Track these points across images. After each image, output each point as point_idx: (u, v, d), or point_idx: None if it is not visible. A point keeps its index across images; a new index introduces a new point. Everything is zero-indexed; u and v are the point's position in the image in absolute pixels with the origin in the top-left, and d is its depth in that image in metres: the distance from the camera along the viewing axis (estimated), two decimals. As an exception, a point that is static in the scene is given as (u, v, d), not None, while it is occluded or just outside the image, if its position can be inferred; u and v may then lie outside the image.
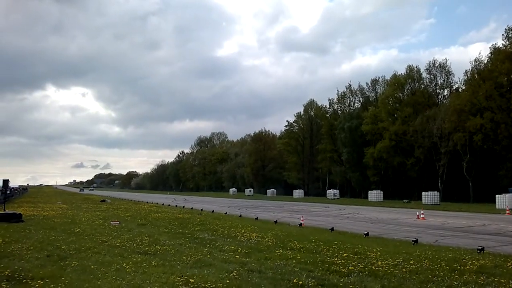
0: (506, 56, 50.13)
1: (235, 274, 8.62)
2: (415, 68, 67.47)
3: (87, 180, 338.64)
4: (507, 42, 52.16)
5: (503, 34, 52.99)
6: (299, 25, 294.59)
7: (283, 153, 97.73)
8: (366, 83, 79.90)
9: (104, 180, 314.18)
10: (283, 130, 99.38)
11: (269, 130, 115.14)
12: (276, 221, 22.94)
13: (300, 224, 20.92)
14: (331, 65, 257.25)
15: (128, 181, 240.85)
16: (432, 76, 66.49)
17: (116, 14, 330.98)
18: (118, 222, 20.92)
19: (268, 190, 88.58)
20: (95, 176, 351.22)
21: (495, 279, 8.34)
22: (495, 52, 52.76)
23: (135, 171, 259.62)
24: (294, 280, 8.05)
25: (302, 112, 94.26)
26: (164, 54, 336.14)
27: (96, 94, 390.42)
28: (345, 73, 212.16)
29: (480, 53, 58.97)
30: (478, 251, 11.95)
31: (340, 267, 9.44)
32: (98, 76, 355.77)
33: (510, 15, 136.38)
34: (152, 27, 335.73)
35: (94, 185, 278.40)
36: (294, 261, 10.27)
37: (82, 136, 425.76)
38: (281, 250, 11.98)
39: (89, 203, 45.06)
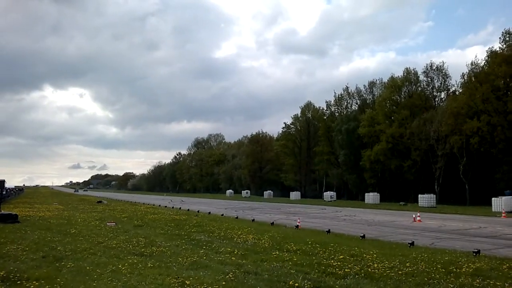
0: (503, 59, 50.34)
1: (231, 276, 8.62)
2: (413, 71, 67.66)
3: (84, 181, 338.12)
4: (504, 46, 52.46)
5: (500, 38, 53.42)
6: (297, 27, 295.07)
7: (280, 155, 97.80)
8: (364, 85, 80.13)
9: (101, 181, 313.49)
10: (280, 131, 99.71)
11: (266, 132, 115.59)
12: (272, 223, 22.94)
13: (297, 226, 20.94)
14: (329, 67, 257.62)
15: (125, 182, 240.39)
16: (429, 79, 66.74)
17: (115, 14, 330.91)
18: (114, 223, 20.88)
19: (265, 192, 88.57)
20: (92, 177, 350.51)
21: (491, 282, 8.36)
22: (492, 55, 53.04)
23: (132, 172, 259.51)
24: (290, 282, 8.05)
25: (299, 114, 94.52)
26: (162, 55, 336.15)
27: (93, 95, 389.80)
28: (343, 75, 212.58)
29: (476, 56, 59.45)
30: (474, 254, 11.98)
31: (336, 269, 9.45)
32: (96, 76, 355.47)
33: (507, 19, 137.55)
34: (151, 27, 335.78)
35: (91, 186, 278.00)
36: (290, 263, 10.28)
37: (79, 136, 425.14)
38: (277, 252, 11.98)
39: (86, 204, 44.98)
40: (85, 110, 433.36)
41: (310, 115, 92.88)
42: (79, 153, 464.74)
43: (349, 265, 9.88)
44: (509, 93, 51.75)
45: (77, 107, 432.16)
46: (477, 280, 8.50)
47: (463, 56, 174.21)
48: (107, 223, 20.92)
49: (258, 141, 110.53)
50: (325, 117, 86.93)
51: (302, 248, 12.86)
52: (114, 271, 9.04)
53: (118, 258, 10.84)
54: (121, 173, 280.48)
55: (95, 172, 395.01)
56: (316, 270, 9.35)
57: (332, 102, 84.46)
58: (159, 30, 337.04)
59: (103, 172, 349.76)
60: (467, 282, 8.39)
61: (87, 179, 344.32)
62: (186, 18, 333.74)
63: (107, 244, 13.52)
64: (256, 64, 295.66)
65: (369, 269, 9.43)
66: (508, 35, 52.48)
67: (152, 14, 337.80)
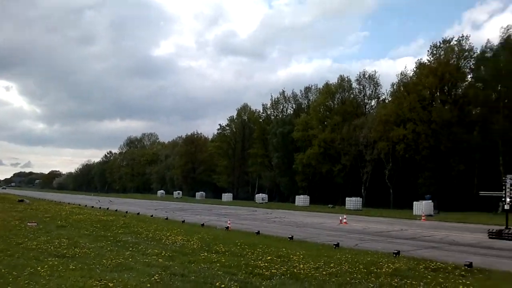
0: (430, 71, 53.68)
1: (157, 278, 8.45)
2: (346, 78, 70.24)
3: (5, 179, 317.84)
4: (432, 58, 56.19)
5: (428, 50, 57.24)
6: (238, 29, 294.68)
7: (214, 156, 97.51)
8: (300, 90, 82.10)
9: (24, 179, 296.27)
10: (215, 133, 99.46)
11: (201, 133, 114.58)
12: (203, 224, 22.81)
13: (227, 228, 20.97)
14: (268, 71, 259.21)
15: (50, 180, 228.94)
16: (361, 87, 69.71)
17: (49, 6, 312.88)
18: (35, 224, 19.83)
19: (197, 193, 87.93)
20: (14, 174, 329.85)
21: (408, 281, 8.78)
22: (420, 67, 56.61)
23: (59, 171, 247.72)
24: (217, 284, 8.04)
25: (235, 116, 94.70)
26: (97, 50, 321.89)
27: (20, 89, 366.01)
28: (281, 80, 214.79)
29: (406, 67, 63.02)
30: (394, 255, 12.56)
31: (263, 270, 9.55)
32: (25, 69, 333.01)
33: (436, 33, 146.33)
34: (87, 21, 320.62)
35: (12, 184, 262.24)
36: (218, 264, 10.25)
37: (2, 132, 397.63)
38: (206, 254, 11.92)
39: (5, 203, 42.33)
40: (11, 104, 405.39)
41: (246, 118, 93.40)
42: (1, 149, 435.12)
43: (276, 266, 10.02)
44: (434, 103, 55.10)
45: (2, 101, 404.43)
46: (395, 280, 8.91)
47: (394, 66, 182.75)
48: (28, 223, 19.82)
49: (193, 141, 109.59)
50: (260, 120, 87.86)
51: (231, 249, 12.89)
52: (32, 274, 8.58)
53: (38, 260, 10.31)
54: (46, 171, 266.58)
55: (18, 169, 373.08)
56: (244, 271, 9.40)
57: (269, 105, 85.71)
58: (96, 24, 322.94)
59: (27, 170, 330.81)
60: (386, 281, 8.77)
61: (9, 177, 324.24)
62: (124, 13, 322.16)
63: (26, 245, 12.83)
64: (195, 65, 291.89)
65: (295, 270, 9.61)
66: (435, 49, 56.23)
67: (89, 8, 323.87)
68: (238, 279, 8.57)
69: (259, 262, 10.62)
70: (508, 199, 20.47)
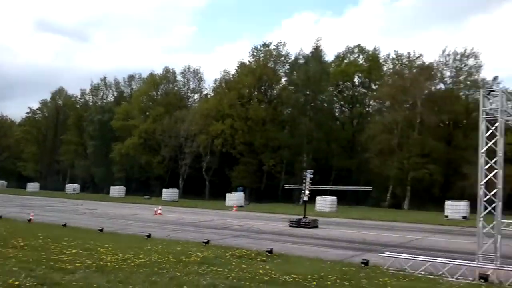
0: (249, 71, 57.67)
1: None
2: (171, 70, 70.52)
3: None
4: (252, 59, 60.26)
5: (249, 52, 61.11)
6: (60, 6, 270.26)
7: (22, 142, 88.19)
8: (123, 78, 79.42)
9: None
10: (24, 117, 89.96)
11: (7, 116, 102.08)
12: (0, 217, 20.49)
13: (29, 220, 19.24)
14: (90, 54, 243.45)
15: None
16: (185, 80, 70.85)
17: None
18: None
19: (-5, 182, 78.22)
20: None
21: (214, 269, 9.23)
22: (242, 66, 60.29)
23: None
24: (10, 281, 7.27)
25: (48, 100, 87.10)
26: None
27: None
28: (104, 65, 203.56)
29: (228, 66, 66.82)
30: (204, 244, 13.10)
31: (66, 264, 9.02)
32: None
33: (259, 36, 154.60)
34: None
35: None
36: (14, 260, 9.32)
37: None
38: (0, 249, 10.72)
39: None
40: None
41: (61, 102, 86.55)
42: None
43: (81, 259, 9.54)
44: (251, 101, 58.93)
45: None
46: (203, 268, 9.28)
47: (218, 63, 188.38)
48: None
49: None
50: (78, 106, 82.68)
51: (32, 243, 11.89)
52: None
53: None
54: None
55: None
56: (43, 266, 8.71)
57: (88, 91, 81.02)
58: None
59: None
60: (193, 270, 9.06)
61: None
62: None
63: None
64: (4, 39, 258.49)
65: (101, 262, 9.30)
66: (256, 51, 60.70)
67: None
68: (36, 275, 7.89)
69: (63, 256, 10.00)
70: (307, 192, 23.04)
